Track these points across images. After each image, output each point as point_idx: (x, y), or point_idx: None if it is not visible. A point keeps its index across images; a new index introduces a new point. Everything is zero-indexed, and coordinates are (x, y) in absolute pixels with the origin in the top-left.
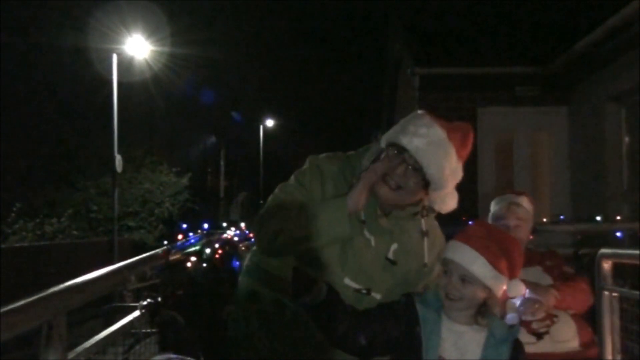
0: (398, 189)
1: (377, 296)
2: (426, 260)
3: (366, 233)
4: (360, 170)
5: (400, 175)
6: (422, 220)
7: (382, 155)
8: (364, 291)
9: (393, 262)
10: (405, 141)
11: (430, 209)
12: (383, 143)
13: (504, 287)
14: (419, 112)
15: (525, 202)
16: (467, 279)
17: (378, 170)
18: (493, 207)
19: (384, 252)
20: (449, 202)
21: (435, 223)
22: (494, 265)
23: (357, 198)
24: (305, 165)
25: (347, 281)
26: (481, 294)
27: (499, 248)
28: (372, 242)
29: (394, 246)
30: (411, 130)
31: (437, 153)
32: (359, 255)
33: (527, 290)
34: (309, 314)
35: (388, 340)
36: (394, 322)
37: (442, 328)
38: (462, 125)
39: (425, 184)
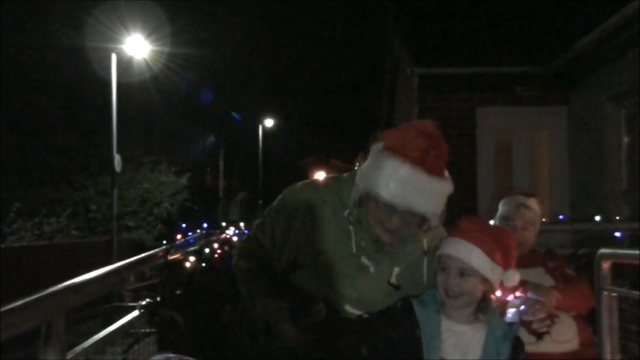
0: (399, 231)
1: None
2: (425, 280)
3: (364, 260)
4: (350, 202)
5: (397, 224)
6: (424, 241)
7: (369, 204)
8: (366, 316)
9: (397, 287)
10: (388, 196)
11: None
12: (361, 186)
13: (501, 279)
14: (380, 149)
15: (534, 204)
16: (465, 272)
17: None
18: (501, 207)
19: (386, 277)
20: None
21: (441, 233)
22: (490, 256)
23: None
24: (290, 195)
25: (348, 308)
26: (480, 288)
27: (493, 240)
28: (372, 269)
29: (396, 270)
30: (387, 181)
31: (425, 194)
32: (358, 283)
33: (529, 291)
34: (310, 332)
35: (390, 346)
36: (393, 328)
37: (442, 329)
38: (430, 142)
39: (424, 218)
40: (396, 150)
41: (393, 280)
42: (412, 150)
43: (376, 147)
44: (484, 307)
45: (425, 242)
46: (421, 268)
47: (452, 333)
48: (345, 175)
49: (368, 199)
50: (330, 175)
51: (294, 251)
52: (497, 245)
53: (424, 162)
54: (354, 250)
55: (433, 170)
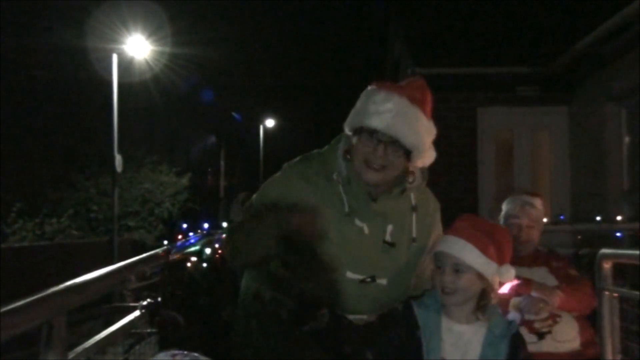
0: (383, 169)
1: (383, 281)
2: (414, 234)
3: (357, 222)
4: (337, 165)
5: (381, 156)
6: (412, 195)
7: (354, 142)
8: (369, 279)
9: (392, 244)
10: (372, 122)
11: (420, 177)
12: (348, 129)
13: (497, 275)
14: (370, 88)
15: (538, 203)
16: (459, 268)
17: (359, 154)
18: (506, 205)
19: (380, 236)
20: (427, 159)
21: (427, 193)
22: (483, 251)
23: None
24: (279, 174)
25: (350, 274)
26: (476, 284)
27: (486, 236)
28: (366, 230)
29: (390, 227)
30: (372, 110)
31: (407, 121)
32: (355, 246)
33: (533, 290)
34: (314, 338)
35: (393, 349)
36: (395, 331)
37: (442, 329)
38: (415, 83)
39: (407, 153)
40: (384, 86)
41: (387, 238)
42: (399, 86)
43: (364, 91)
44: (483, 306)
45: (413, 198)
46: (410, 223)
47: (452, 333)
48: (325, 147)
49: (353, 138)
50: (313, 152)
51: (290, 232)
52: (490, 240)
53: (410, 94)
54: (346, 209)
55: (418, 103)
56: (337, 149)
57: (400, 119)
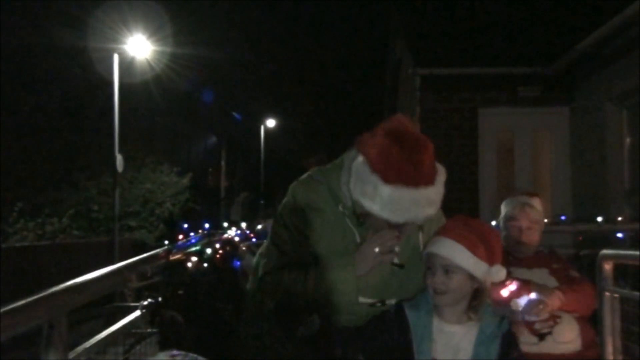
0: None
1: (393, 302)
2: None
3: None
4: (342, 197)
5: (405, 239)
6: None
7: (369, 217)
8: (379, 304)
9: (400, 266)
10: (391, 218)
11: None
12: (358, 205)
13: (488, 276)
14: (371, 174)
15: (537, 203)
16: (449, 269)
17: (387, 241)
18: (505, 207)
19: (388, 260)
20: None
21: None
22: (473, 252)
23: (368, 268)
24: (288, 198)
25: (361, 299)
26: (467, 284)
27: (476, 236)
28: None
29: (397, 249)
30: (387, 205)
31: (424, 206)
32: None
33: (533, 291)
34: (306, 343)
35: (384, 351)
36: (387, 333)
37: (434, 330)
38: (412, 152)
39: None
40: (381, 172)
41: (396, 260)
42: (398, 171)
43: (357, 160)
44: (475, 306)
45: None
46: (417, 242)
47: (443, 333)
48: (328, 166)
49: (368, 214)
50: (314, 169)
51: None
52: (480, 241)
53: (413, 179)
54: (358, 239)
55: (425, 182)
56: (342, 181)
57: (416, 208)
